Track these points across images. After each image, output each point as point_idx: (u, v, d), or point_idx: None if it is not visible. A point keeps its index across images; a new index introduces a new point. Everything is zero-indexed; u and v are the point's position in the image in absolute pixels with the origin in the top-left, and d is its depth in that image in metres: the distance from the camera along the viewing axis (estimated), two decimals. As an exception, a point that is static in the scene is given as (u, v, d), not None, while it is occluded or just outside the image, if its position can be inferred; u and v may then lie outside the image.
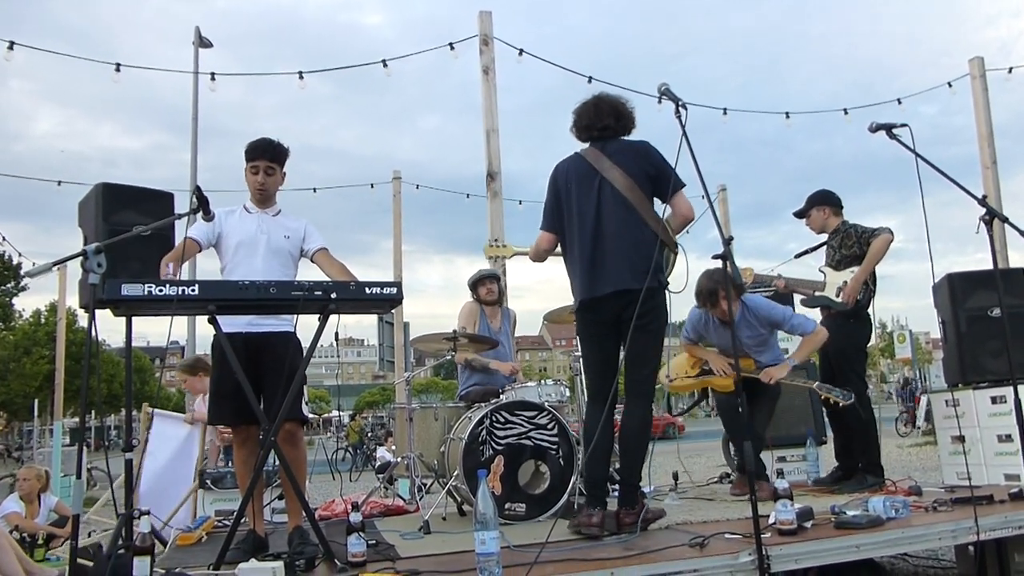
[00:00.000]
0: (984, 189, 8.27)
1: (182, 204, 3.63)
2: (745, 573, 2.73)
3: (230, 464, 5.39)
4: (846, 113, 9.46)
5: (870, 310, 4.63)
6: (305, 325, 3.26)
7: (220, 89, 8.45)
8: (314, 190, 11.54)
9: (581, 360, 4.01)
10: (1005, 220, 3.28)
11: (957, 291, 4.85)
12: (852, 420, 4.58)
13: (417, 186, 11.50)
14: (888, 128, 3.28)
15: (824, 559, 2.96)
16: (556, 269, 3.74)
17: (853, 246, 4.66)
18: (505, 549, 2.81)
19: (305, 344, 3.40)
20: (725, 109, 9.06)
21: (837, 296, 4.65)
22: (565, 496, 4.00)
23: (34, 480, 5.98)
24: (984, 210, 3.14)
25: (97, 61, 7.47)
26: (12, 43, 6.98)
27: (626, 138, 3.59)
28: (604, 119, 3.53)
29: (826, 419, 5.13)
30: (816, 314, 4.83)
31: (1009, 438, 4.43)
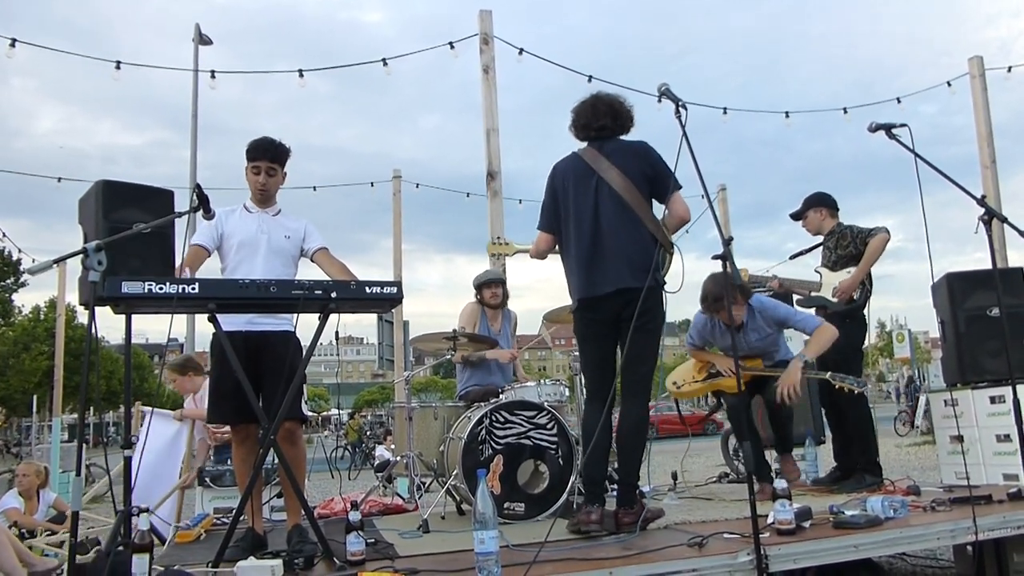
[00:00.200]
0: (983, 189, 8.27)
1: (182, 202, 3.63)
2: (744, 573, 2.73)
3: (226, 463, 5.39)
4: (846, 112, 9.46)
5: (866, 310, 4.64)
6: (305, 324, 3.27)
7: (220, 87, 8.47)
8: (314, 188, 11.56)
9: (579, 359, 4.00)
10: (1004, 220, 3.29)
11: (956, 291, 4.86)
12: (852, 419, 4.59)
13: (417, 185, 11.49)
14: (887, 128, 3.28)
15: (822, 559, 2.96)
16: (556, 268, 3.74)
17: (849, 246, 4.68)
18: (504, 548, 2.82)
19: (305, 343, 3.40)
20: (725, 108, 9.06)
21: (833, 296, 4.67)
22: (564, 496, 4.01)
23: (33, 476, 5.98)
24: (983, 210, 3.14)
25: (98, 59, 7.48)
26: (14, 40, 6.97)
27: (625, 138, 3.59)
28: (601, 118, 3.53)
29: (824, 419, 5.14)
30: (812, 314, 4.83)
31: (1008, 438, 4.44)
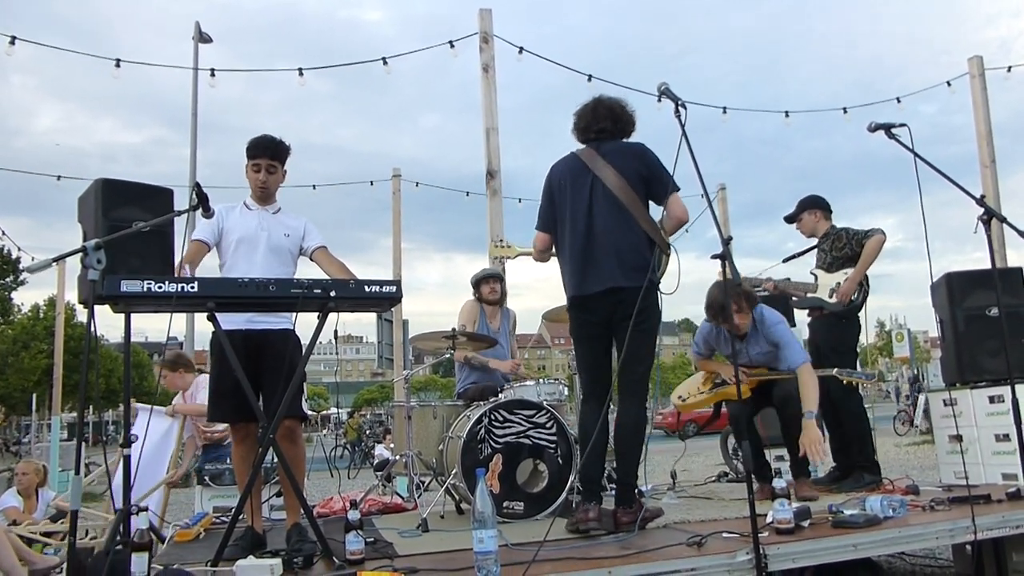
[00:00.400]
0: (983, 188, 8.29)
1: (182, 200, 3.63)
2: (742, 572, 2.73)
3: (216, 463, 5.41)
4: (845, 112, 9.48)
5: (862, 311, 4.64)
6: (304, 322, 3.27)
7: (220, 85, 8.47)
8: (314, 187, 11.57)
9: (575, 360, 3.99)
10: (1003, 220, 3.29)
11: (955, 290, 4.87)
12: (851, 418, 4.59)
13: (417, 184, 11.52)
14: (887, 128, 3.28)
15: (821, 558, 2.96)
16: (555, 268, 3.74)
17: (845, 247, 4.68)
18: (503, 547, 2.83)
19: (304, 341, 3.40)
20: (725, 108, 9.07)
21: (830, 297, 4.68)
22: (563, 495, 4.01)
23: (32, 475, 5.97)
24: (982, 210, 3.14)
25: (98, 57, 7.49)
26: (14, 38, 6.97)
27: (624, 140, 3.60)
28: (601, 121, 3.55)
29: (823, 419, 5.13)
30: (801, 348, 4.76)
31: (1007, 437, 4.44)
